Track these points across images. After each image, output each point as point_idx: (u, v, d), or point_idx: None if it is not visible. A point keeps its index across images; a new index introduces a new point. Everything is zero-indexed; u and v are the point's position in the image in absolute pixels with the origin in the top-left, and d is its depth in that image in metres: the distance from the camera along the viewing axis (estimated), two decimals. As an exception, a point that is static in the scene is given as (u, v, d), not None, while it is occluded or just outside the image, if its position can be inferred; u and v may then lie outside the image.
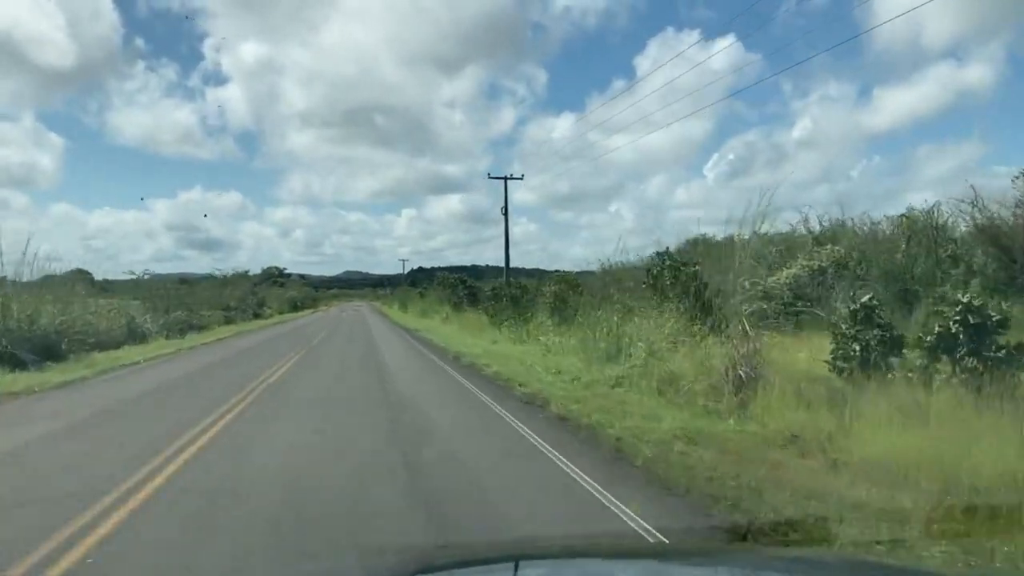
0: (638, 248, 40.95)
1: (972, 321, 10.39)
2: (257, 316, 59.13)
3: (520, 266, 42.23)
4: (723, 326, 13.21)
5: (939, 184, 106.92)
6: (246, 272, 70.01)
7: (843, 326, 12.31)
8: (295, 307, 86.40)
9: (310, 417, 11.11)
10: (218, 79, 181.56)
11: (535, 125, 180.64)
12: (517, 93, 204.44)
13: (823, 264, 20.11)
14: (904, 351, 12.13)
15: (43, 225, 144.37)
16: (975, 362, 10.28)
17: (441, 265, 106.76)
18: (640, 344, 14.70)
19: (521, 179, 41.61)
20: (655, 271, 22.34)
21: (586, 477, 6.96)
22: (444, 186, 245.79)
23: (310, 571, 4.16)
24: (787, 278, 19.85)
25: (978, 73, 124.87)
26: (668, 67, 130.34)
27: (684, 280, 20.85)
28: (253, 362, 20.91)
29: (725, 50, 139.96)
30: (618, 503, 6.07)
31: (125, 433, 9.90)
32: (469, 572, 2.49)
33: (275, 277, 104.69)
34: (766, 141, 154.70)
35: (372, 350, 25.74)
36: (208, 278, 58.51)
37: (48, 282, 24.81)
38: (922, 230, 19.81)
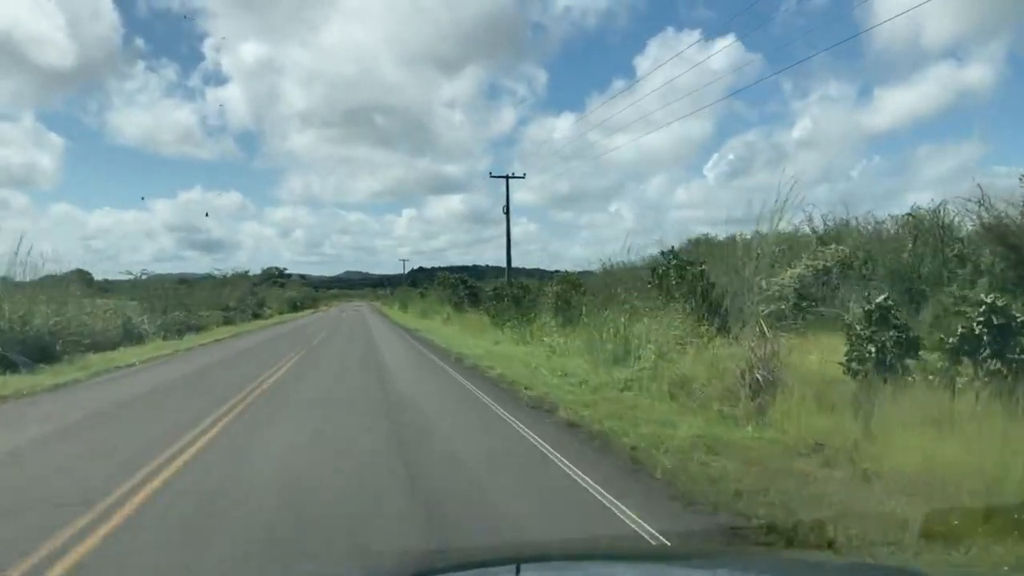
0: (639, 248, 40.56)
1: (996, 322, 10.00)
2: (256, 316, 58.81)
3: (520, 266, 41.95)
4: (740, 327, 12.79)
5: (939, 184, 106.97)
6: (246, 272, 69.79)
7: (857, 327, 12.05)
8: (295, 307, 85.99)
9: (310, 417, 10.76)
10: (218, 79, 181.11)
11: (535, 125, 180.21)
12: (517, 93, 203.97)
13: (827, 264, 19.79)
14: (921, 353, 11.89)
15: (43, 225, 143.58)
16: (998, 364, 9.90)
17: (441, 265, 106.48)
18: (650, 346, 14.26)
19: (523, 178, 41.32)
20: (660, 270, 21.99)
21: (604, 492, 6.48)
22: (444, 186, 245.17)
23: (310, 572, 4.29)
24: (791, 278, 19.51)
25: (978, 73, 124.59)
26: (668, 67, 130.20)
27: (691, 280, 20.50)
28: (250, 364, 20.50)
29: (725, 50, 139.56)
30: (641, 522, 5.61)
31: (117, 438, 9.47)
32: (470, 575, 2.42)
33: (275, 277, 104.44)
34: (766, 141, 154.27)
35: (372, 351, 25.30)
36: (208, 278, 58.14)
37: (42, 282, 24.45)
38: (928, 229, 19.52)
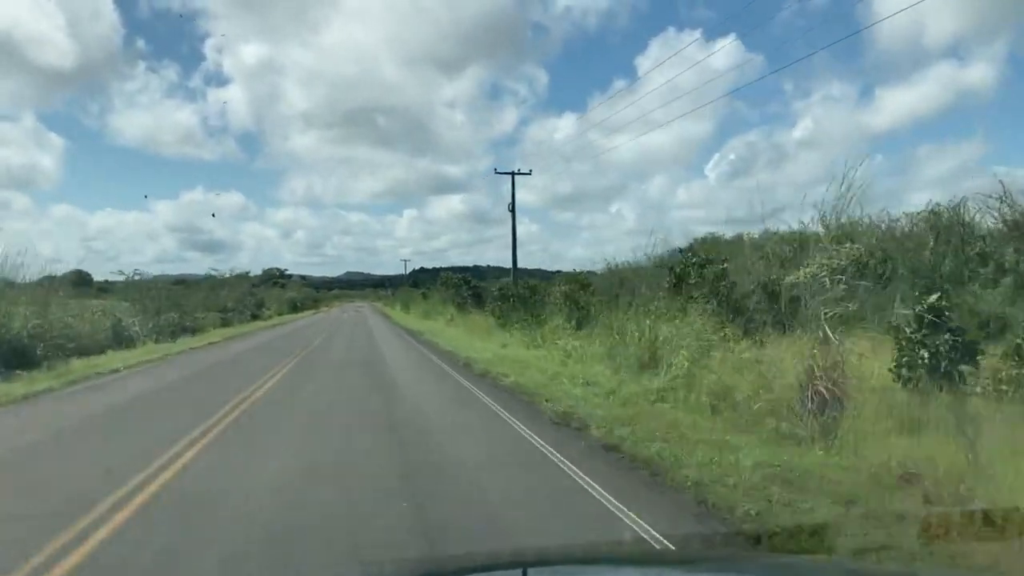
0: (643, 247, 39.24)
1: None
2: (255, 318, 57.50)
3: (522, 266, 40.63)
4: (796, 330, 11.39)
5: (939, 184, 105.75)
6: (246, 273, 68.55)
7: (907, 330, 10.85)
8: (295, 308, 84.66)
9: (303, 446, 9.21)
10: (219, 80, 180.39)
11: (536, 125, 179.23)
12: (518, 93, 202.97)
13: (842, 263, 18.60)
14: (980, 359, 10.70)
15: (44, 226, 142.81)
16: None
17: (443, 265, 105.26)
18: (683, 351, 12.78)
19: (529, 174, 39.86)
20: (679, 269, 20.56)
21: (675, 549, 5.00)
22: (445, 186, 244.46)
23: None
24: (804, 277, 18.33)
25: (979, 73, 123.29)
26: (669, 67, 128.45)
27: (712, 279, 19.05)
28: (246, 369, 19.08)
29: (725, 50, 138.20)
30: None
31: (69, 468, 8.00)
32: None
33: (276, 278, 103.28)
34: (767, 141, 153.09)
35: (374, 353, 23.78)
36: (207, 279, 56.82)
37: (26, 284, 23.17)
38: (948, 226, 18.32)
